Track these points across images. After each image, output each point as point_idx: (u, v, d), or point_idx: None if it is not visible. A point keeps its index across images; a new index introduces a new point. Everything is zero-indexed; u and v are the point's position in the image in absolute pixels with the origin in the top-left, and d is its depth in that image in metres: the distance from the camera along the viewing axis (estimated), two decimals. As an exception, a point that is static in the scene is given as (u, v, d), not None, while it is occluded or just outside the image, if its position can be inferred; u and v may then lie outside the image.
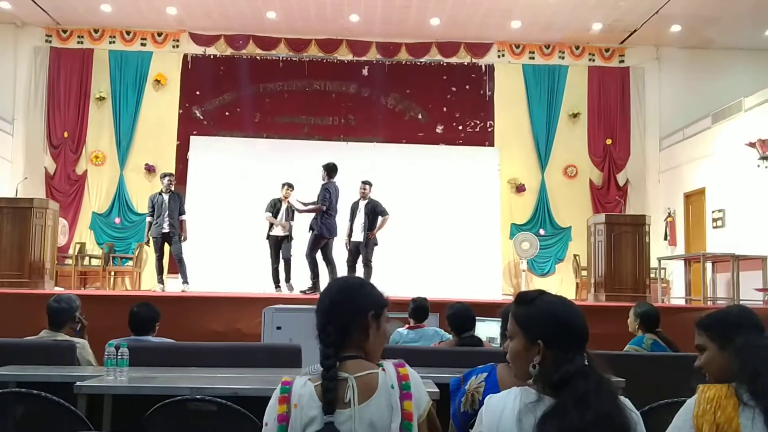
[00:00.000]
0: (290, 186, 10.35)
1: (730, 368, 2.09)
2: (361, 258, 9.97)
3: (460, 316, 5.12)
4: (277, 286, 10.14)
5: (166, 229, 9.92)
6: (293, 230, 10.29)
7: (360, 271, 9.99)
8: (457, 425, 2.45)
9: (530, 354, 1.96)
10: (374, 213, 9.96)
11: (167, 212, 9.92)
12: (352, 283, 2.30)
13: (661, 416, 2.54)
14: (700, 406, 2.00)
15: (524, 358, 1.98)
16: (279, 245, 10.16)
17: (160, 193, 10.09)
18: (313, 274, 9.73)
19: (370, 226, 9.92)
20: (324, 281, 9.79)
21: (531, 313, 2.01)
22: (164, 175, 10.27)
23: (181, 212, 10.15)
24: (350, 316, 2.15)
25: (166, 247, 10.17)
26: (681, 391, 2.41)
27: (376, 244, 10.03)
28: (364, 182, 10.19)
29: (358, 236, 9.97)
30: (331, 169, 9.82)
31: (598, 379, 1.87)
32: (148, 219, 10.10)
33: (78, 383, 3.40)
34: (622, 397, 1.92)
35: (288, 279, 10.10)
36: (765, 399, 1.95)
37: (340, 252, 10.26)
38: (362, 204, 10.07)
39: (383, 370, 2.10)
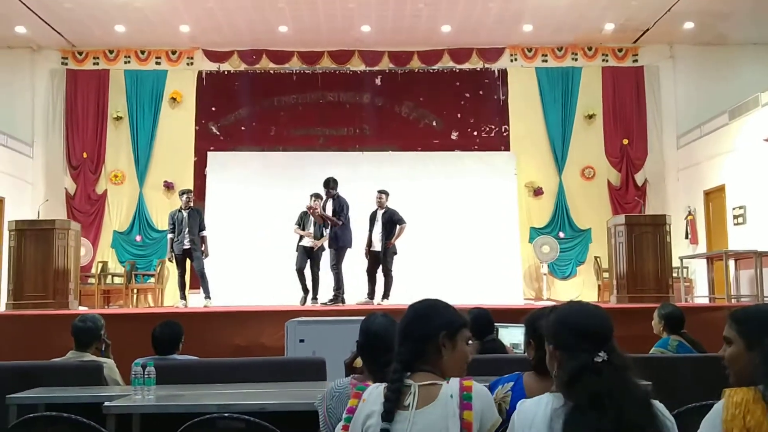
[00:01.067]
0: (318, 196, 10.30)
1: (754, 369, 2.03)
2: (381, 267, 9.99)
3: (480, 322, 5.16)
4: (306, 291, 10.12)
5: (186, 246, 9.96)
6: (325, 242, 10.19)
7: (380, 281, 10.02)
8: None
9: (552, 360, 2.03)
10: (391, 222, 9.98)
11: (187, 229, 9.96)
12: (425, 305, 2.38)
13: (689, 420, 2.52)
14: (728, 411, 1.96)
15: (550, 366, 2.05)
16: (308, 254, 10.14)
17: (179, 210, 10.14)
18: (336, 285, 9.78)
19: (388, 235, 9.94)
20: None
21: (547, 322, 2.10)
22: (182, 192, 10.32)
23: (202, 228, 10.19)
24: (422, 337, 2.27)
25: (188, 263, 10.22)
26: (709, 392, 2.40)
27: (395, 253, 10.04)
28: (381, 191, 10.20)
29: (377, 246, 9.99)
30: (335, 183, 9.94)
31: (616, 376, 1.87)
32: (169, 236, 10.15)
33: (106, 403, 3.43)
34: (656, 402, 1.91)
35: (315, 296, 10.03)
36: None
37: (360, 262, 10.28)
38: (379, 213, 10.09)
39: (447, 382, 2.20)
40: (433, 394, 2.16)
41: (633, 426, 1.79)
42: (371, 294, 10.02)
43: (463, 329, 2.34)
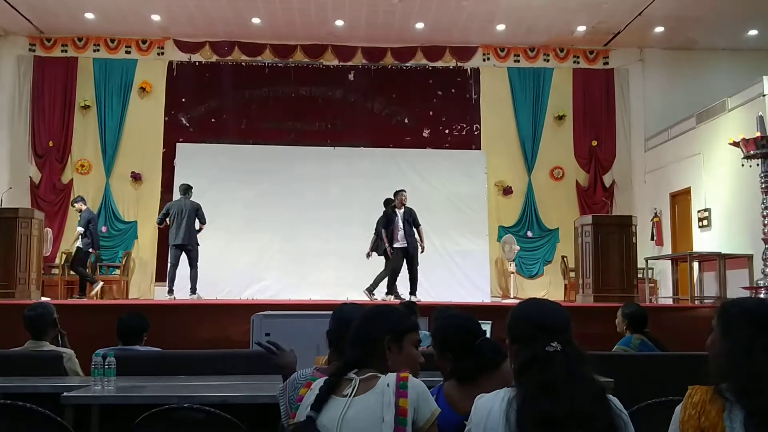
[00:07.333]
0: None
1: (721, 356, 2.03)
2: (408, 265, 10.19)
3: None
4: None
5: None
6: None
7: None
8: None
9: (511, 355, 2.07)
10: (413, 221, 10.29)
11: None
12: (374, 310, 2.48)
13: (648, 416, 2.55)
14: (685, 411, 1.98)
15: (511, 360, 2.07)
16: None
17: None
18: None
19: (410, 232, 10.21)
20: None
21: (509, 318, 2.12)
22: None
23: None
24: (368, 340, 2.36)
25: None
26: (669, 390, 2.42)
27: None
28: (403, 191, 10.46)
29: (402, 242, 10.16)
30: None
31: (568, 366, 1.89)
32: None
33: (65, 394, 3.37)
34: (611, 396, 1.93)
35: (414, 291, 10.13)
36: (745, 398, 1.89)
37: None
38: (400, 212, 10.27)
39: (387, 376, 2.27)
40: (371, 384, 2.25)
41: (584, 415, 1.80)
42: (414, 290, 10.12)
43: (410, 333, 2.41)
